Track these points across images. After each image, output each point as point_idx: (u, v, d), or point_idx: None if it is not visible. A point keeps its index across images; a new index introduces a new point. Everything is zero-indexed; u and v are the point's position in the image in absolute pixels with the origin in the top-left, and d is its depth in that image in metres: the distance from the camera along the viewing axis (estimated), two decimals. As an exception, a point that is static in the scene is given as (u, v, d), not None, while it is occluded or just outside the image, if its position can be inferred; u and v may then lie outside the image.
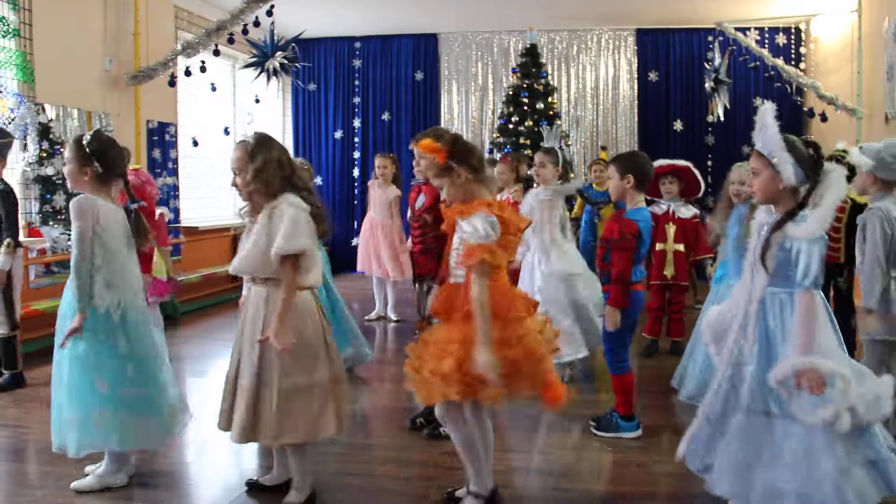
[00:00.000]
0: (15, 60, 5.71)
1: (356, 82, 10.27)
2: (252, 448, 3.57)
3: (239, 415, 2.84)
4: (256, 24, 6.96)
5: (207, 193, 8.68)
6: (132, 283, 3.17)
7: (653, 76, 9.70)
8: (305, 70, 9.82)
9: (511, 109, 8.53)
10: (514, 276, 4.53)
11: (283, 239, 2.73)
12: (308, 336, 2.86)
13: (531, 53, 8.66)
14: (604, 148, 9.51)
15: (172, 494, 3.19)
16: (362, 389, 4.82)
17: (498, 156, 7.46)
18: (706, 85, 8.55)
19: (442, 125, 9.87)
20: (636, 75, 9.74)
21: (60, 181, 5.81)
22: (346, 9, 8.78)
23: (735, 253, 3.88)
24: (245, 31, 7.06)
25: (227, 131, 8.62)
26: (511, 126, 8.45)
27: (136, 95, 7.10)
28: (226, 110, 9.09)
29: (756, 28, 8.93)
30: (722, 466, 2.61)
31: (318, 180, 10.18)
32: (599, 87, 9.83)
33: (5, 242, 4.47)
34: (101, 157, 3.07)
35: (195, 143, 8.09)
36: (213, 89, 8.02)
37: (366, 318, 6.96)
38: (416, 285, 5.05)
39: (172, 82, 7.19)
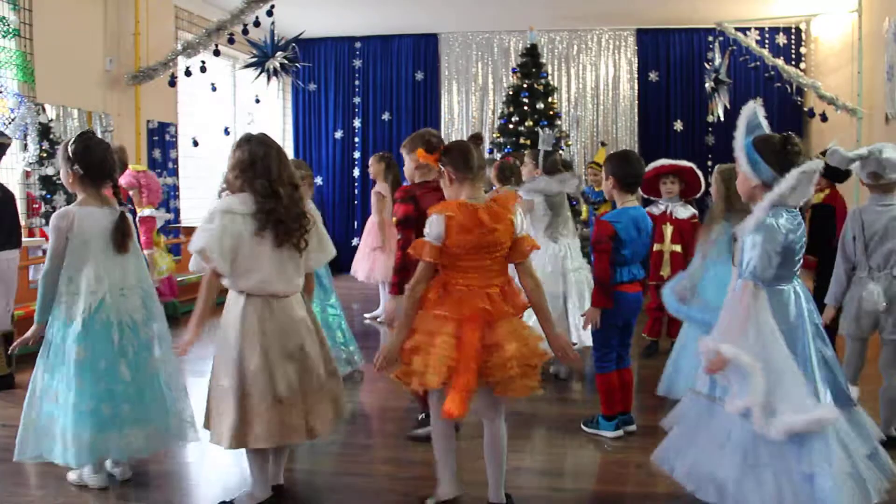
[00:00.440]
0: (15, 60, 5.72)
1: (356, 82, 10.26)
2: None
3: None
4: (257, 24, 6.97)
5: (207, 193, 8.66)
6: (114, 285, 3.11)
7: (653, 76, 9.70)
8: (305, 70, 9.82)
9: (511, 109, 8.52)
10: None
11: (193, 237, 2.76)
12: (230, 341, 2.86)
13: (531, 53, 8.65)
14: (603, 143, 9.49)
15: (172, 494, 3.20)
16: (362, 389, 4.82)
17: (498, 156, 7.47)
18: (706, 85, 8.55)
19: (442, 125, 9.91)
20: (636, 75, 9.74)
21: (60, 181, 5.80)
22: (346, 9, 8.78)
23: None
24: (245, 32, 7.07)
25: (227, 131, 8.62)
26: (511, 126, 8.43)
27: (137, 95, 7.11)
28: (226, 110, 9.09)
29: (756, 28, 8.92)
30: (669, 447, 2.77)
31: (319, 180, 10.18)
32: (599, 87, 9.83)
33: None
34: (84, 160, 3.06)
35: (195, 144, 8.09)
36: (214, 89, 8.02)
37: (365, 315, 6.97)
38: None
39: (172, 82, 7.19)
